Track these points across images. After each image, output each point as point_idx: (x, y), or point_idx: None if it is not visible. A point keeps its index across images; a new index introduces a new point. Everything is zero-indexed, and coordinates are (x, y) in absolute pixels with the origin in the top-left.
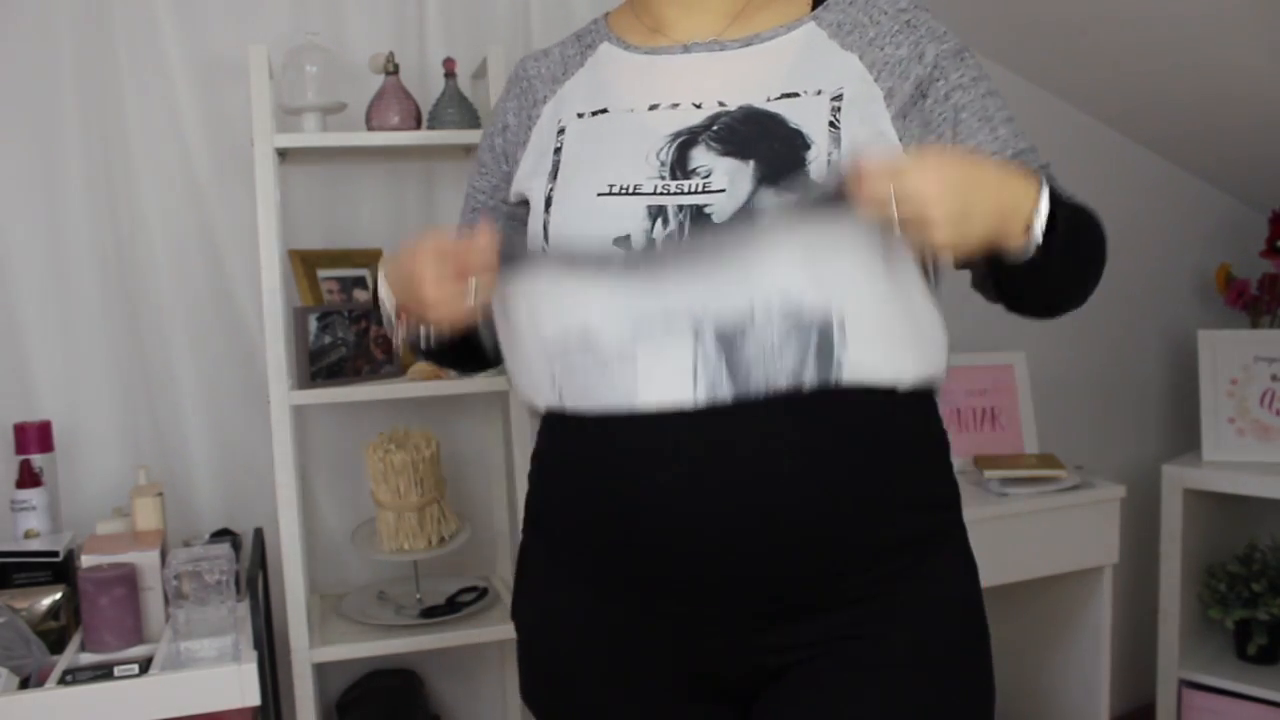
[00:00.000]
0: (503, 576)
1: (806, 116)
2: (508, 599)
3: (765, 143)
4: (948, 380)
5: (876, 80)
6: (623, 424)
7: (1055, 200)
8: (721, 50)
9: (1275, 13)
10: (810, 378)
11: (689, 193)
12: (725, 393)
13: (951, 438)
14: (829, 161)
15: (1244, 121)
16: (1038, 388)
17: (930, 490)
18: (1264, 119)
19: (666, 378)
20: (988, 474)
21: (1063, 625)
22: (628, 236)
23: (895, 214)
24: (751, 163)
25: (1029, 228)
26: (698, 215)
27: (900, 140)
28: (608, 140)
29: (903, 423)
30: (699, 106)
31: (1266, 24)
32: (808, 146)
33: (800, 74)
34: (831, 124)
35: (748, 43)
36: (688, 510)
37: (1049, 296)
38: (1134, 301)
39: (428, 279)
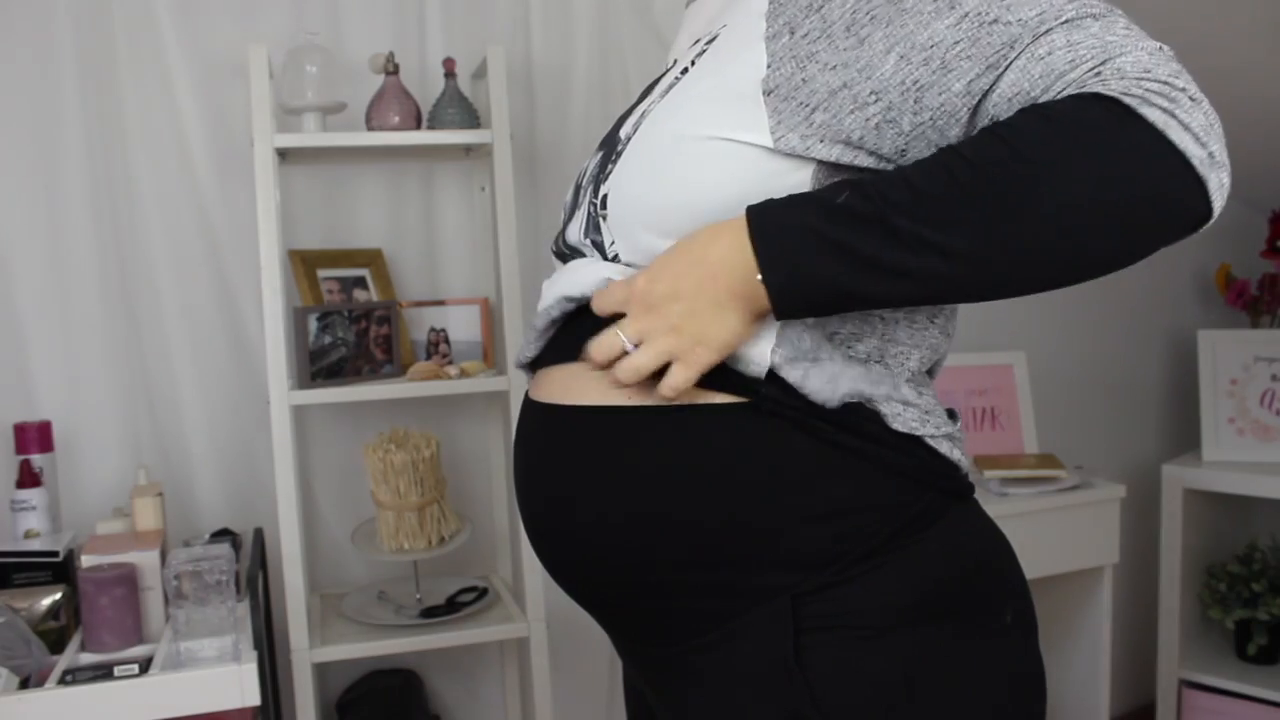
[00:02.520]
0: (503, 576)
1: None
2: (507, 599)
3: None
4: (948, 380)
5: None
6: None
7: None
8: None
9: (1276, 12)
10: None
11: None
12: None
13: None
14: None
15: (1244, 121)
16: (1038, 388)
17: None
18: (1265, 119)
19: None
20: (987, 474)
21: (1063, 625)
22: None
23: (634, 368)
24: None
25: (764, 282)
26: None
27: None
28: None
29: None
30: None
31: (1268, 23)
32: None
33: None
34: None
35: None
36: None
37: (1022, 282)
38: (1134, 301)
39: None
